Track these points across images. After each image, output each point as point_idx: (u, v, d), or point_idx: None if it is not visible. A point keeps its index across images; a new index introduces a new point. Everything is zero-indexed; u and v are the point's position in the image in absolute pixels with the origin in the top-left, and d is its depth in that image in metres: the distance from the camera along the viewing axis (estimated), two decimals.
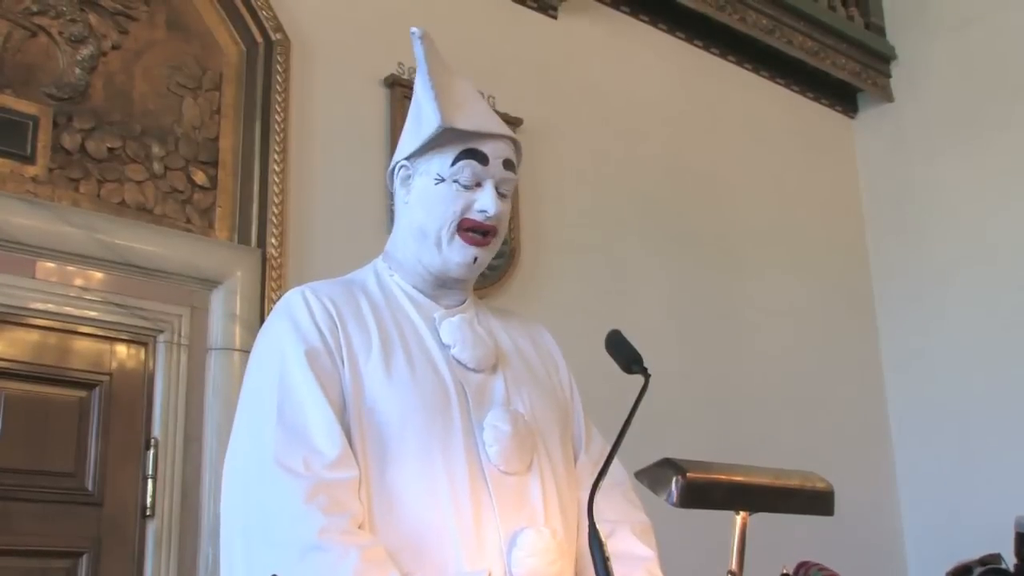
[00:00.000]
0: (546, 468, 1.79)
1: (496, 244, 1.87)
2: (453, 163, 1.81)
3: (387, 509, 1.65)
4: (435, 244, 1.82)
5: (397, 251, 1.90)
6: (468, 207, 1.81)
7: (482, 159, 1.81)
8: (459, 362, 1.80)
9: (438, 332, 1.83)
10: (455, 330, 1.83)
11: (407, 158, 1.86)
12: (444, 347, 1.81)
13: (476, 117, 1.85)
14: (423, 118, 1.84)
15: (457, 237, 1.81)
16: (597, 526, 1.55)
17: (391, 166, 1.91)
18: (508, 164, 1.85)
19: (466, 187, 1.81)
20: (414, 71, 1.94)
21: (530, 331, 2.03)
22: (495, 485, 1.71)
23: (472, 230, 1.82)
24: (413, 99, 1.92)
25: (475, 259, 1.83)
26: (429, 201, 1.82)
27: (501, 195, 1.84)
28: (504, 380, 1.84)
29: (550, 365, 2.00)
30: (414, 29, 1.88)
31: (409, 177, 1.87)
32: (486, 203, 1.81)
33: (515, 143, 1.89)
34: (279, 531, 1.57)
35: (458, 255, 1.82)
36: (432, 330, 1.83)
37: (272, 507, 1.59)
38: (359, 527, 1.60)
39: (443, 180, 1.81)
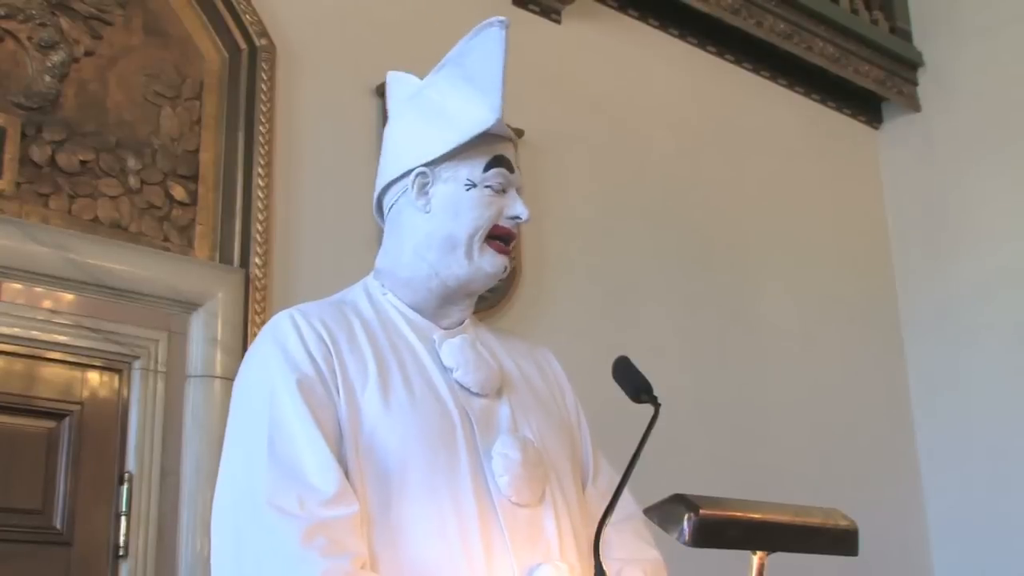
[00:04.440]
0: (559, 499, 1.79)
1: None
2: (485, 169, 1.85)
3: (391, 546, 1.64)
4: (465, 254, 1.84)
5: (398, 267, 1.90)
6: (499, 213, 1.85)
7: (509, 166, 1.87)
8: (462, 386, 1.81)
9: (438, 354, 1.83)
10: (457, 352, 1.83)
11: (426, 164, 1.87)
12: (445, 370, 1.82)
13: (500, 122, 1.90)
14: (457, 117, 1.85)
15: (487, 246, 1.85)
16: (604, 564, 1.54)
17: (402, 172, 1.90)
18: (518, 171, 1.92)
19: (497, 193, 1.86)
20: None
21: (535, 355, 2.03)
22: (506, 518, 1.70)
23: (500, 238, 1.86)
24: (425, 101, 1.92)
25: (504, 268, 1.87)
26: (460, 208, 1.84)
27: None
28: (510, 405, 1.84)
29: (556, 391, 2.00)
30: (502, 19, 1.88)
31: (427, 184, 1.87)
32: (519, 209, 1.87)
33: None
34: None
35: (489, 265, 1.85)
36: (432, 352, 1.83)
37: (266, 552, 1.57)
38: (362, 567, 1.59)
39: (475, 185, 1.85)
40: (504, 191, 1.86)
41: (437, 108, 1.89)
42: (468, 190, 1.84)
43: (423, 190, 1.87)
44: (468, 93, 1.86)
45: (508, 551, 1.68)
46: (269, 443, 1.65)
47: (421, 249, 1.87)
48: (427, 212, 1.87)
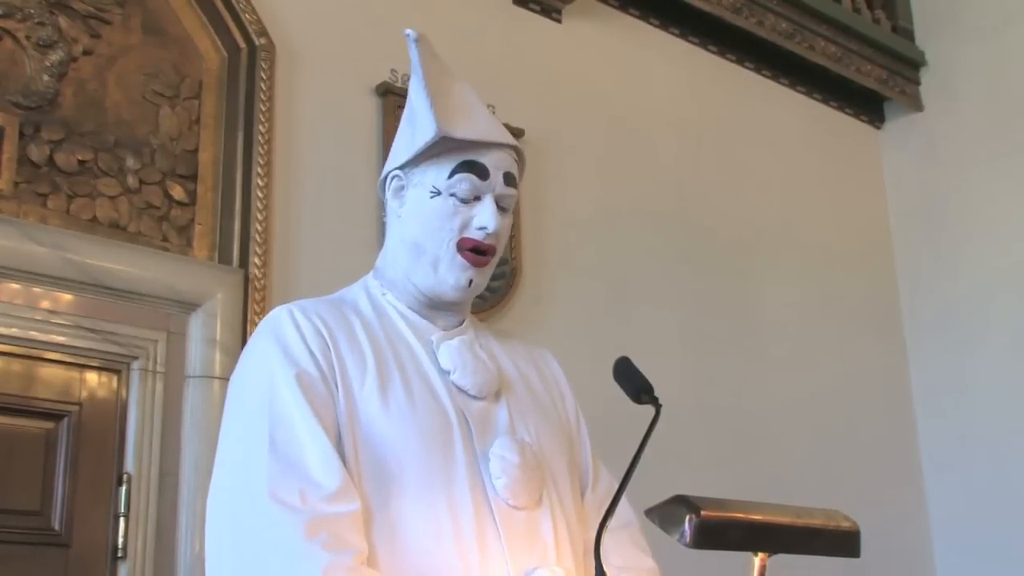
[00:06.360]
0: (556, 503, 1.78)
1: (493, 265, 1.87)
2: (450, 175, 1.80)
3: (388, 543, 1.64)
4: (431, 264, 1.82)
5: (388, 268, 1.90)
6: (466, 224, 1.81)
7: (481, 172, 1.81)
8: (459, 388, 1.80)
9: (436, 356, 1.82)
10: (455, 354, 1.82)
11: (400, 167, 1.86)
12: (443, 372, 1.81)
13: (476, 125, 1.85)
14: (418, 125, 1.84)
15: (458, 256, 1.81)
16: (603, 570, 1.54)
17: (383, 175, 1.91)
18: (509, 178, 1.85)
19: (464, 201, 1.81)
20: (408, 78, 1.95)
21: (534, 357, 2.02)
22: (503, 521, 1.70)
23: (471, 249, 1.81)
24: (407, 103, 1.92)
25: (470, 282, 1.83)
26: (424, 216, 1.82)
27: (501, 209, 1.83)
28: (508, 408, 1.83)
29: (555, 394, 1.99)
30: (408, 31, 1.89)
31: (402, 188, 1.86)
32: (485, 219, 1.80)
33: (518, 153, 1.89)
34: (276, 571, 1.55)
35: (454, 277, 1.81)
36: (430, 354, 1.82)
37: (267, 545, 1.56)
38: (363, 563, 1.58)
39: (439, 193, 1.81)
40: (478, 198, 1.81)
41: (411, 109, 1.89)
42: (432, 198, 1.81)
43: (399, 194, 1.87)
44: (428, 101, 1.84)
45: (504, 554, 1.68)
46: (270, 437, 1.64)
47: (398, 254, 1.87)
48: (399, 216, 1.86)
